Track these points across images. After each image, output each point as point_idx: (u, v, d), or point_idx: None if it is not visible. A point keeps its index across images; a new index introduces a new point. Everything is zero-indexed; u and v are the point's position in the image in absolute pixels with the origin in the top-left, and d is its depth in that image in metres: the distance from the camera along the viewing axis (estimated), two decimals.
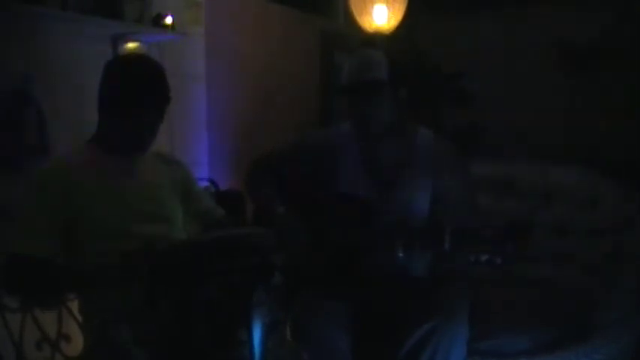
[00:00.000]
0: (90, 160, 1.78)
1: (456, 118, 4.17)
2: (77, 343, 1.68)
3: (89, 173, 1.75)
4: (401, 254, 1.92)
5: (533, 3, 4.18)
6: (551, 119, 4.10)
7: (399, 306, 1.98)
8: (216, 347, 1.53)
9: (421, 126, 2.20)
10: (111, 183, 1.77)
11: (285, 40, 3.96)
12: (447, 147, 2.17)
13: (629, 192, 2.67)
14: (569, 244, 2.64)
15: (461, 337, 1.92)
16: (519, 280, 2.45)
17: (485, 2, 4.30)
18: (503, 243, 1.79)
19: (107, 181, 1.77)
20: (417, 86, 2.28)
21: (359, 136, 2.15)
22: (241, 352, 1.53)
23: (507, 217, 1.87)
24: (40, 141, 2.29)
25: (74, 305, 1.75)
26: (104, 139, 1.79)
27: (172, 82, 1.79)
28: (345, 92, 2.11)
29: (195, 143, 3.29)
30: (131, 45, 2.76)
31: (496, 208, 2.65)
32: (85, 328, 1.70)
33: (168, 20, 2.80)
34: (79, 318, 1.72)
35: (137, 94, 1.72)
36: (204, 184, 2.96)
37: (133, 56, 2.42)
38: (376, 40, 3.84)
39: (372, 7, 3.85)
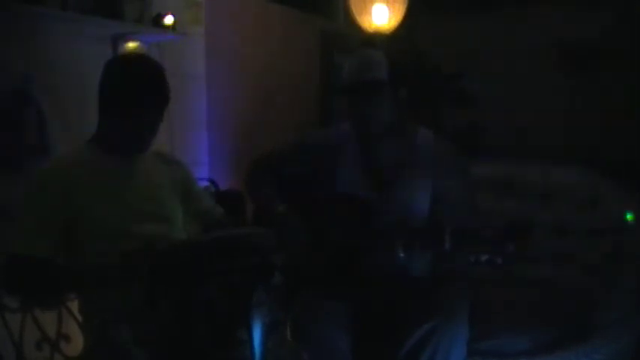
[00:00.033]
0: (90, 160, 1.78)
1: (456, 118, 4.17)
2: (77, 343, 1.68)
3: (89, 173, 1.75)
4: (401, 254, 1.92)
5: (533, 3, 4.18)
6: (551, 119, 4.09)
7: (399, 306, 1.98)
8: (216, 347, 1.53)
9: (421, 126, 2.20)
10: (111, 183, 1.77)
11: (285, 40, 3.96)
12: (447, 147, 2.17)
13: (629, 192, 2.67)
14: (569, 244, 2.64)
15: (461, 337, 1.92)
16: (519, 280, 2.45)
17: (485, 2, 4.30)
18: (503, 243, 1.79)
19: (107, 181, 1.77)
20: (417, 86, 2.28)
21: (359, 136, 2.15)
22: (241, 352, 1.53)
23: (507, 217, 1.87)
24: (40, 141, 2.29)
25: (74, 305, 1.75)
26: (104, 139, 1.79)
27: (172, 82, 1.79)
28: (345, 92, 2.11)
29: (195, 143, 3.29)
30: (131, 45, 2.76)
31: (496, 208, 2.65)
32: (85, 328, 1.70)
33: (169, 20, 2.79)
34: (79, 318, 1.72)
35: (137, 93, 1.72)
36: (205, 184, 2.96)
37: (133, 56, 2.42)
38: (376, 40, 3.84)
39: (372, 7, 3.85)
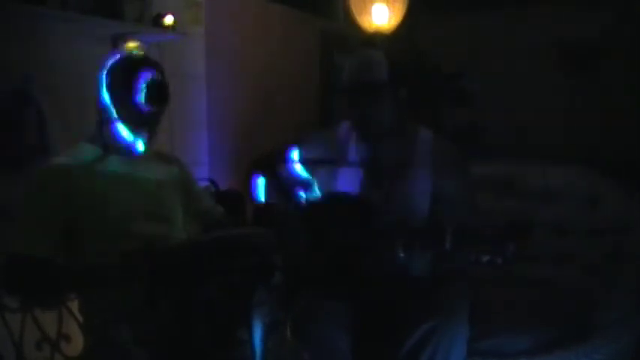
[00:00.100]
0: (90, 160, 1.78)
1: (456, 118, 4.17)
2: (77, 343, 1.68)
3: (89, 173, 1.75)
4: (401, 254, 1.92)
5: (533, 3, 4.18)
6: (551, 119, 4.09)
7: (399, 306, 1.98)
8: (216, 347, 1.53)
9: (421, 126, 2.20)
10: (111, 183, 1.77)
11: (285, 40, 3.96)
12: (447, 147, 2.17)
13: (629, 192, 2.67)
14: (569, 244, 2.64)
15: (461, 337, 1.92)
16: (519, 280, 2.45)
17: (485, 2, 4.30)
18: (504, 243, 1.79)
19: (107, 181, 1.77)
20: (417, 86, 2.28)
21: (359, 136, 2.14)
22: (242, 352, 1.53)
23: (507, 217, 1.87)
24: (40, 141, 2.29)
25: (74, 305, 1.75)
26: (104, 139, 1.79)
27: (172, 82, 1.79)
28: (346, 92, 2.11)
29: (195, 143, 3.29)
30: (131, 44, 2.76)
31: (496, 208, 2.65)
32: (86, 328, 1.70)
33: (169, 20, 2.79)
34: (80, 318, 1.72)
35: (136, 93, 1.72)
36: (205, 184, 2.96)
37: (132, 55, 2.42)
38: (376, 40, 3.84)
39: (372, 7, 3.85)
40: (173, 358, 1.54)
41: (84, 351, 1.66)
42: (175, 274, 1.50)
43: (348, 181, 2.11)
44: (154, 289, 1.51)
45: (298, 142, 2.28)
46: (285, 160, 2.23)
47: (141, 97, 1.73)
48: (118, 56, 1.78)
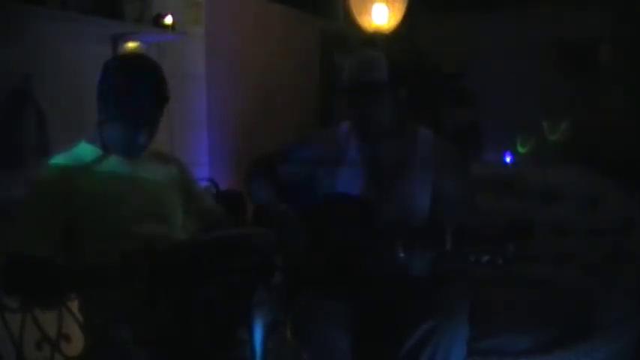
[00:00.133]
0: (89, 160, 1.78)
1: (456, 118, 4.18)
2: (77, 343, 1.68)
3: (89, 173, 1.75)
4: (401, 254, 1.92)
5: (533, 3, 4.19)
6: (551, 119, 4.10)
7: (399, 306, 1.98)
8: (216, 347, 1.53)
9: (421, 126, 2.20)
10: (110, 183, 1.77)
11: (285, 40, 3.96)
12: (447, 147, 2.17)
13: (629, 192, 2.67)
14: (569, 244, 2.64)
15: (461, 337, 1.92)
16: (519, 280, 2.45)
17: (485, 2, 4.30)
18: (504, 243, 1.79)
19: (107, 181, 1.77)
20: (417, 86, 2.28)
21: (359, 136, 2.15)
22: (242, 352, 1.53)
23: (507, 217, 1.87)
24: (40, 141, 2.29)
25: (74, 305, 1.75)
26: (103, 139, 1.79)
27: (172, 82, 1.79)
28: (346, 92, 2.11)
29: (196, 143, 3.28)
30: (131, 44, 2.76)
31: (496, 208, 2.65)
32: (86, 328, 1.70)
33: (168, 20, 2.79)
34: (80, 318, 1.72)
35: (135, 93, 1.72)
36: (205, 184, 2.96)
37: (131, 55, 2.42)
38: (376, 39, 3.84)
39: (372, 7, 3.85)
40: (173, 358, 1.54)
41: (84, 351, 1.66)
42: (175, 274, 1.50)
43: (348, 181, 2.11)
44: (153, 289, 1.51)
45: (298, 142, 2.29)
46: (285, 160, 2.23)
47: (139, 97, 1.72)
48: (117, 56, 1.78)
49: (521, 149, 4.09)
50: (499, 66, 4.24)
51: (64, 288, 1.66)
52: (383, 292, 2.01)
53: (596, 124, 3.96)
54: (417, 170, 2.10)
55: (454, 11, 4.34)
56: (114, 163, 1.79)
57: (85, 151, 1.81)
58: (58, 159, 1.78)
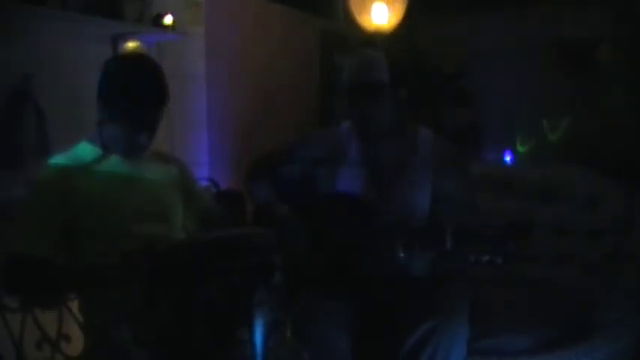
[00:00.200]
0: (89, 160, 1.77)
1: (456, 118, 4.18)
2: (77, 343, 1.68)
3: (89, 173, 1.75)
4: (401, 254, 1.92)
5: (533, 3, 4.19)
6: (551, 119, 4.10)
7: (399, 306, 1.98)
8: (216, 347, 1.53)
9: (421, 126, 2.20)
10: (110, 183, 1.77)
11: (285, 40, 3.96)
12: (447, 147, 2.17)
13: (629, 192, 2.67)
14: (569, 244, 2.64)
15: (461, 337, 1.92)
16: (519, 280, 2.45)
17: (485, 2, 4.30)
18: (504, 243, 1.79)
19: (107, 181, 1.77)
20: (417, 86, 2.28)
21: (359, 136, 2.15)
22: (242, 352, 1.53)
23: (507, 217, 1.87)
24: (40, 141, 2.29)
25: (74, 305, 1.75)
26: (103, 139, 1.79)
27: (172, 82, 1.79)
28: (346, 92, 2.11)
29: (196, 143, 3.29)
30: (131, 44, 2.76)
31: (496, 208, 2.65)
32: (86, 328, 1.70)
33: (168, 20, 2.79)
34: (80, 318, 1.72)
35: (135, 93, 1.72)
36: (205, 183, 2.96)
37: (131, 55, 2.42)
38: (376, 39, 3.85)
39: (372, 6, 3.85)
40: (173, 358, 1.53)
41: (84, 351, 1.66)
42: (175, 274, 1.50)
43: (348, 181, 2.11)
44: (153, 289, 1.51)
45: (298, 142, 2.29)
46: (286, 160, 2.23)
47: (139, 97, 1.72)
48: (117, 56, 1.78)
49: (521, 149, 4.09)
50: (499, 66, 4.25)
51: (64, 288, 1.66)
52: (383, 292, 2.01)
53: (596, 124, 3.96)
54: (417, 170, 2.10)
55: (454, 11, 4.33)
56: (114, 163, 1.79)
57: (85, 151, 1.81)
58: (58, 159, 1.78)
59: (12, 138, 2.25)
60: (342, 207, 2.07)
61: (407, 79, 2.14)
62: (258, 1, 3.78)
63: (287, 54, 3.97)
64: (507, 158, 4.11)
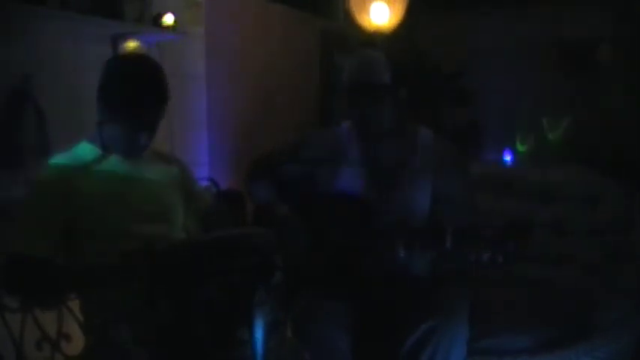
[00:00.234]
0: (89, 160, 1.77)
1: (456, 118, 4.17)
2: (78, 342, 1.68)
3: (89, 173, 1.75)
4: (401, 254, 1.92)
5: (533, 3, 4.18)
6: (551, 119, 4.10)
7: (399, 306, 1.98)
8: (216, 347, 1.53)
9: (421, 126, 2.20)
10: (110, 183, 1.77)
11: (285, 40, 3.96)
12: (447, 147, 2.17)
13: (629, 192, 2.68)
14: (568, 244, 2.64)
15: (461, 337, 1.92)
16: (519, 280, 2.45)
17: (485, 2, 4.30)
18: (504, 242, 1.79)
19: (106, 181, 1.77)
20: (417, 86, 2.28)
21: (359, 136, 2.15)
22: (242, 352, 1.53)
23: (507, 217, 1.87)
24: (40, 141, 2.29)
25: (75, 305, 1.75)
26: (103, 139, 1.79)
27: (172, 82, 1.79)
28: (346, 93, 2.11)
29: (195, 143, 3.29)
30: (131, 44, 2.76)
31: (496, 208, 2.65)
32: (86, 328, 1.70)
33: (168, 20, 2.79)
34: (80, 317, 1.72)
35: (135, 93, 1.72)
36: (205, 183, 2.96)
37: (132, 55, 2.42)
38: (376, 39, 3.84)
39: (372, 6, 3.85)
40: (173, 358, 1.53)
41: (84, 350, 1.66)
42: (175, 274, 1.50)
43: (348, 181, 2.11)
44: (153, 289, 1.51)
45: (298, 142, 2.28)
46: (286, 160, 2.23)
47: (140, 96, 1.72)
48: (118, 56, 1.77)
49: (521, 149, 4.09)
50: (499, 66, 4.24)
51: (63, 288, 1.66)
52: (383, 292, 2.01)
53: (596, 124, 3.95)
54: (417, 170, 2.10)
55: (454, 10, 4.33)
56: (114, 163, 1.79)
57: (85, 151, 1.81)
58: (58, 159, 1.78)
59: (12, 138, 2.25)
60: (342, 207, 2.07)
61: (407, 79, 2.14)
62: (258, 1, 3.78)
63: (287, 54, 3.97)
64: (507, 158, 4.10)
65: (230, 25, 3.51)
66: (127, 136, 1.76)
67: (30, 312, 1.67)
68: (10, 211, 1.82)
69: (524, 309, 2.32)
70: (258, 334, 1.54)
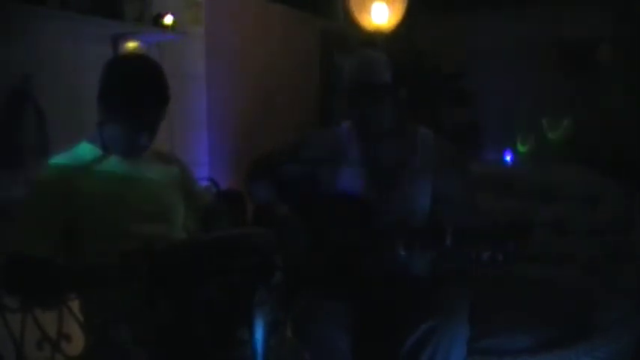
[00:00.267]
0: (89, 160, 1.77)
1: (455, 118, 4.18)
2: (78, 342, 1.68)
3: (89, 173, 1.75)
4: (402, 252, 1.92)
5: (532, 3, 4.19)
6: (551, 119, 4.10)
7: (399, 306, 1.98)
8: (216, 347, 1.52)
9: (421, 126, 2.20)
10: (110, 183, 1.77)
11: (285, 40, 3.97)
12: (447, 147, 2.18)
13: (629, 192, 2.68)
14: (569, 244, 2.64)
15: (461, 337, 1.92)
16: (519, 280, 2.45)
17: (484, 2, 4.30)
18: (504, 241, 1.79)
19: (106, 181, 1.77)
20: (416, 86, 2.28)
21: (359, 136, 2.15)
22: (242, 352, 1.53)
23: (507, 217, 1.87)
24: (40, 141, 2.29)
25: (75, 305, 1.75)
26: (103, 139, 1.79)
27: (172, 82, 1.79)
28: (346, 93, 2.11)
29: (195, 143, 3.29)
30: (131, 44, 2.76)
31: (496, 208, 2.65)
32: (86, 328, 1.70)
33: (169, 20, 2.79)
34: (80, 317, 1.72)
35: (136, 93, 1.72)
36: (205, 183, 2.96)
37: (132, 56, 2.42)
38: (376, 39, 3.85)
39: (372, 6, 3.85)
40: (173, 358, 1.53)
41: (84, 350, 1.66)
42: (175, 274, 1.50)
43: (348, 181, 2.11)
44: (153, 289, 1.51)
45: (298, 142, 2.28)
46: (286, 160, 2.23)
47: (140, 97, 1.72)
48: (119, 56, 1.77)
49: (521, 149, 4.09)
50: (498, 66, 4.24)
51: (63, 288, 1.66)
52: (383, 292, 2.01)
53: (596, 124, 3.96)
54: (417, 170, 2.10)
55: (453, 11, 4.33)
56: (114, 163, 1.79)
57: (86, 150, 1.80)
58: (58, 159, 1.78)
59: (12, 138, 2.25)
60: (342, 207, 2.07)
61: (406, 79, 2.14)
62: (258, 1, 3.78)
63: (287, 54, 3.97)
64: (508, 158, 4.11)
65: (230, 25, 3.51)
66: (128, 136, 1.76)
67: (30, 312, 1.67)
68: (10, 211, 1.82)
69: (525, 309, 2.32)
70: (258, 334, 1.54)
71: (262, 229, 1.88)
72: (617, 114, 3.93)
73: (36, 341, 1.66)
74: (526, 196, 2.84)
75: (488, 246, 1.80)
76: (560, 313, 2.28)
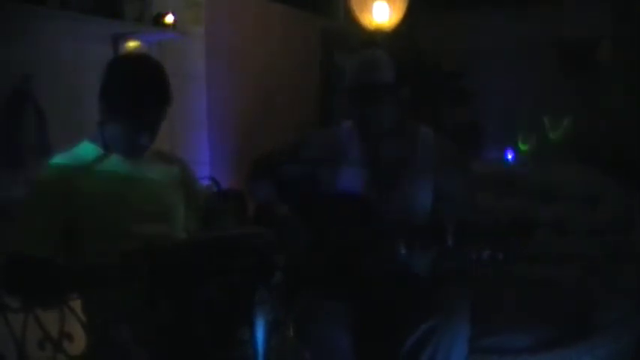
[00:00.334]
0: (90, 160, 1.77)
1: (456, 117, 4.18)
2: (80, 342, 1.68)
3: (89, 173, 1.75)
4: (403, 252, 1.92)
5: (533, 2, 4.18)
6: (551, 118, 4.10)
7: (399, 305, 1.98)
8: (216, 347, 1.53)
9: (422, 125, 2.20)
10: (111, 183, 1.77)
11: (285, 39, 3.96)
12: (448, 146, 2.18)
13: (629, 192, 2.68)
14: (569, 244, 2.64)
15: (461, 337, 1.92)
16: (519, 280, 2.45)
17: (485, 2, 4.30)
18: (505, 240, 1.79)
19: (107, 180, 1.77)
20: (417, 85, 2.28)
21: (360, 136, 2.15)
22: (243, 352, 1.53)
23: (508, 216, 1.87)
24: (40, 141, 2.29)
25: (77, 304, 1.75)
26: (104, 139, 1.79)
27: (173, 81, 1.79)
28: (347, 92, 2.11)
29: (196, 143, 3.29)
30: (131, 44, 2.76)
31: (497, 207, 2.65)
32: (88, 328, 1.70)
33: (169, 19, 2.79)
34: (82, 317, 1.72)
35: (138, 93, 1.72)
36: (206, 182, 2.96)
37: (134, 55, 2.42)
38: (377, 38, 3.84)
39: (373, 5, 3.85)
40: (173, 358, 1.54)
41: (86, 350, 1.66)
42: (175, 274, 1.50)
43: (349, 180, 2.11)
44: (153, 289, 1.51)
45: (299, 142, 2.29)
46: (286, 159, 2.23)
47: (142, 96, 1.72)
48: (120, 56, 1.77)
49: (522, 148, 4.09)
50: (499, 65, 4.24)
51: (64, 288, 1.66)
52: (383, 291, 2.01)
53: (596, 124, 3.95)
54: (418, 169, 2.10)
55: (454, 10, 4.33)
56: (115, 162, 1.79)
57: (86, 150, 1.80)
58: (58, 159, 1.78)
59: (12, 138, 2.25)
60: (343, 207, 2.07)
61: (407, 78, 2.14)
62: (258, 0, 3.78)
63: (287, 54, 3.97)
64: (509, 157, 4.10)
65: (230, 25, 3.51)
66: (129, 135, 1.76)
67: (32, 312, 1.67)
68: (10, 211, 1.82)
69: (525, 308, 2.32)
70: (259, 333, 1.54)
71: (262, 228, 1.88)
72: (617, 114, 3.92)
73: (37, 341, 1.66)
74: (526, 195, 2.84)
75: (488, 245, 1.80)
76: (560, 313, 2.29)
